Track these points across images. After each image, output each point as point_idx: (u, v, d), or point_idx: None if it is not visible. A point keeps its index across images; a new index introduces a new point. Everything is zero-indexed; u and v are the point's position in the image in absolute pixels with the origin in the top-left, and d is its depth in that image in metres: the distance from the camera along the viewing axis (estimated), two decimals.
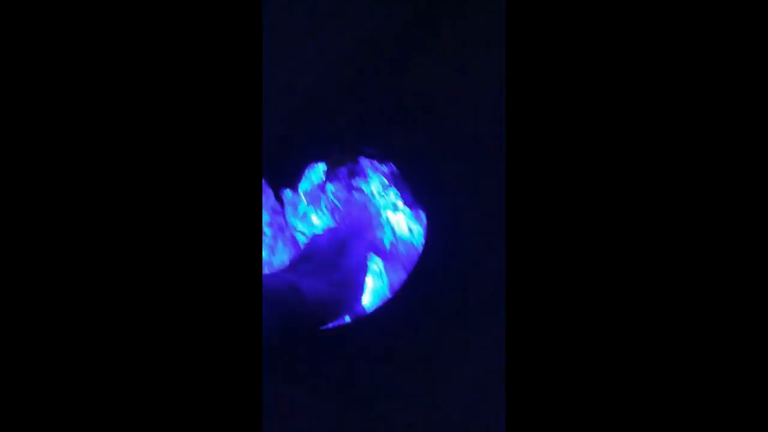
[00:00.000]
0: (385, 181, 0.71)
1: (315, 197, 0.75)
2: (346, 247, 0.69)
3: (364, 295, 0.69)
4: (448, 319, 0.67)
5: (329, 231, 0.73)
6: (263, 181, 0.72)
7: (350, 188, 0.75)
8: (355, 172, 0.73)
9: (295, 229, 0.75)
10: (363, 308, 0.69)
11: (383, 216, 0.74)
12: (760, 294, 0.34)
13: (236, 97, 0.37)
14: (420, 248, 0.69)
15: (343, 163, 0.73)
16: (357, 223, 0.74)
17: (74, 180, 0.35)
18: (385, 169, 0.70)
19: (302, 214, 0.75)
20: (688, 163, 0.36)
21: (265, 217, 0.74)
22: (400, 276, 0.70)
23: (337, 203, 0.75)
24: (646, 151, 0.36)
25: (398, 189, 0.71)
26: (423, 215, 0.69)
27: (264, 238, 0.73)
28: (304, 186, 0.74)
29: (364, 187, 0.73)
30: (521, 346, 0.37)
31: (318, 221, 0.76)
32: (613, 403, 0.36)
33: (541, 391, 0.37)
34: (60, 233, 0.35)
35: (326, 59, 0.75)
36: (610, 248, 0.36)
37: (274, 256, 0.74)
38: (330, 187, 0.74)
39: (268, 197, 0.73)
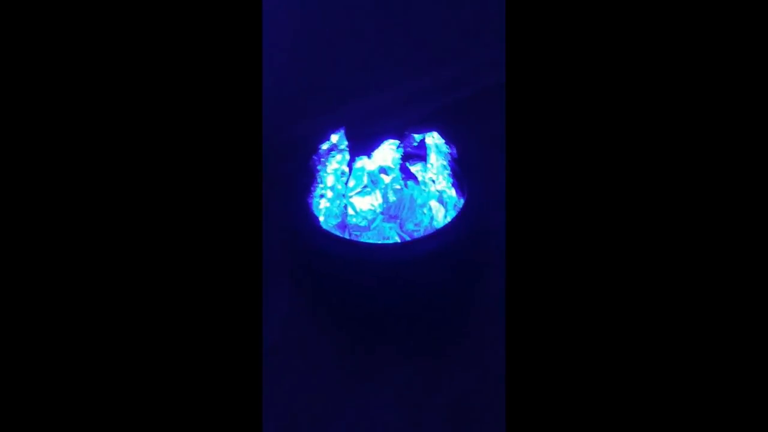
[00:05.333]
0: (446, 166, 0.77)
1: (376, 179, 0.83)
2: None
3: None
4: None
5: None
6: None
7: (408, 174, 0.82)
8: (419, 156, 0.81)
9: (348, 201, 0.83)
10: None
11: (427, 206, 0.80)
12: (756, 294, 0.35)
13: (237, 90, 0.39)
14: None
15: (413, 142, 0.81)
16: (398, 208, 0.82)
17: (76, 179, 0.36)
18: (449, 150, 0.77)
19: (360, 189, 0.83)
20: (679, 166, 0.37)
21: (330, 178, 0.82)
22: None
23: (392, 190, 0.83)
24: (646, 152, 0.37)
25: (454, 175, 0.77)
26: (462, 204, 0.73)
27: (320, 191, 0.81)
28: (374, 159, 0.83)
29: (421, 173, 0.81)
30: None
31: (370, 201, 0.83)
32: (612, 399, 0.36)
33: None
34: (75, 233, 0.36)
35: None
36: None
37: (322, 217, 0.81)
38: (389, 170, 0.82)
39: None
